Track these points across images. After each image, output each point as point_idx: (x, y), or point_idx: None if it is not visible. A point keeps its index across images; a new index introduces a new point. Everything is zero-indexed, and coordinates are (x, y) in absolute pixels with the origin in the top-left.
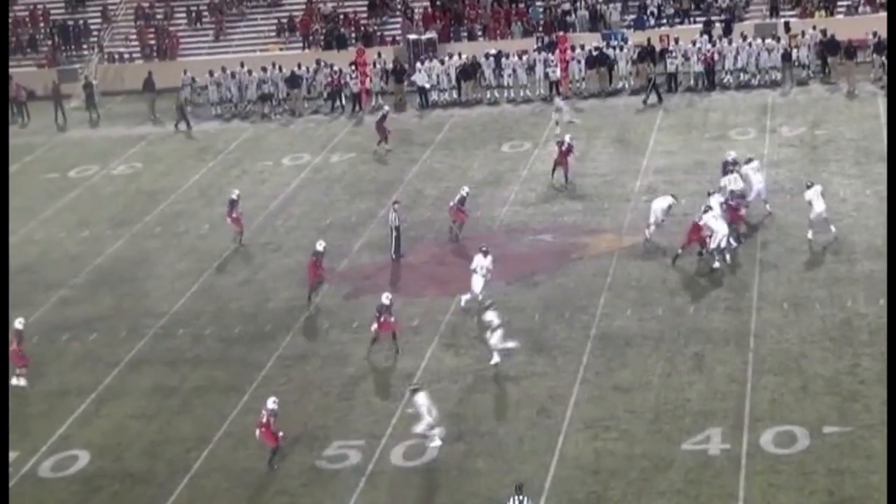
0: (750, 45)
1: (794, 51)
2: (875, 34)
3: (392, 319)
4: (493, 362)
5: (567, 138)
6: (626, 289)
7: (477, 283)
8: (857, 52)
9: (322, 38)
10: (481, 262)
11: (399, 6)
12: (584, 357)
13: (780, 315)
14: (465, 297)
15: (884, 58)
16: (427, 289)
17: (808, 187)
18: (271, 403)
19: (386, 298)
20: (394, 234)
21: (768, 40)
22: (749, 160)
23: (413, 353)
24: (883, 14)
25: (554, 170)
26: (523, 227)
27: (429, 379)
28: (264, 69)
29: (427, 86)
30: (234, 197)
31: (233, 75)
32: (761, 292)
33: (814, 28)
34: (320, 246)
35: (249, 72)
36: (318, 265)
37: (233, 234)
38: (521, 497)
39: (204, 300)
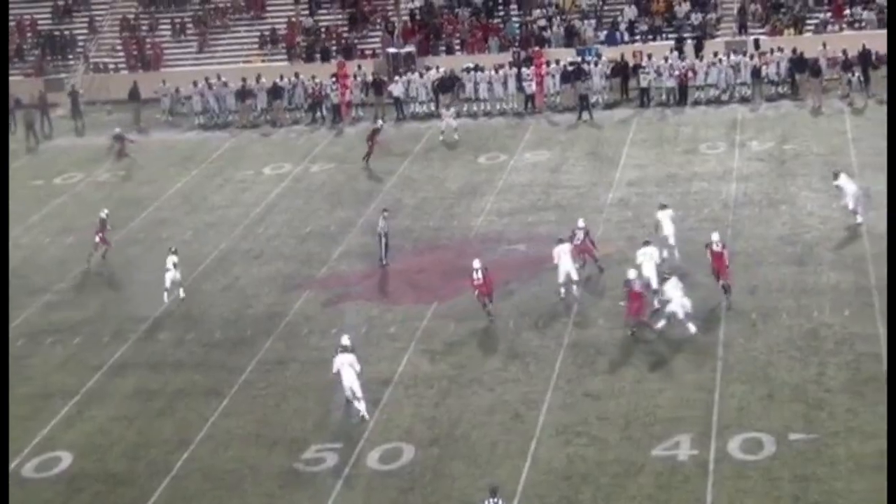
0: (720, 61)
1: (764, 67)
2: (844, 52)
3: None
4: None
5: (379, 123)
6: (598, 298)
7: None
8: (822, 70)
9: (304, 50)
10: (346, 360)
11: (379, 20)
12: (557, 364)
13: (747, 325)
14: (362, 408)
15: (849, 75)
16: (405, 296)
17: (662, 208)
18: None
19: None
20: (383, 240)
21: (738, 57)
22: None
23: (390, 359)
24: (849, 32)
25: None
26: (498, 237)
27: (405, 384)
28: (244, 79)
29: (401, 97)
30: (103, 216)
31: (210, 87)
32: (729, 302)
33: (831, 45)
34: (477, 263)
35: (225, 84)
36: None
37: (92, 253)
38: (495, 500)
39: (186, 305)
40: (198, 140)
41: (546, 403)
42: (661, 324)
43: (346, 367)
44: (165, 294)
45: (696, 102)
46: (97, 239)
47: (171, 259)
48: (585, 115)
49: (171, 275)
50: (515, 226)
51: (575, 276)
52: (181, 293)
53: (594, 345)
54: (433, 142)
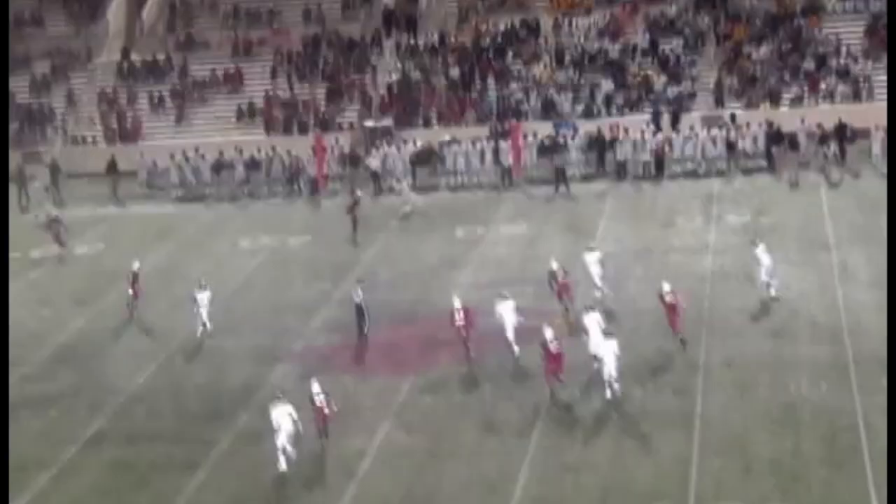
0: (697, 135)
1: (740, 141)
2: (819, 126)
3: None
4: None
5: (357, 193)
6: (574, 370)
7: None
8: (799, 144)
9: (281, 123)
10: (285, 411)
11: (357, 94)
12: (534, 436)
13: (725, 398)
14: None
15: (825, 149)
16: (381, 369)
17: (589, 251)
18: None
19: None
20: (364, 311)
21: (714, 130)
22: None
23: (366, 432)
24: (825, 106)
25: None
26: (475, 311)
27: (382, 457)
28: (221, 152)
29: (378, 170)
30: (135, 269)
31: (187, 160)
32: (707, 375)
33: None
34: (458, 303)
35: (203, 156)
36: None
37: (131, 304)
38: None
39: (162, 378)
40: (175, 213)
41: (523, 476)
42: (608, 393)
43: (285, 418)
44: (200, 329)
45: (673, 176)
46: (130, 291)
47: (206, 294)
48: (562, 188)
49: (205, 311)
50: (493, 298)
51: (510, 335)
52: (208, 325)
53: (571, 416)
54: (410, 215)
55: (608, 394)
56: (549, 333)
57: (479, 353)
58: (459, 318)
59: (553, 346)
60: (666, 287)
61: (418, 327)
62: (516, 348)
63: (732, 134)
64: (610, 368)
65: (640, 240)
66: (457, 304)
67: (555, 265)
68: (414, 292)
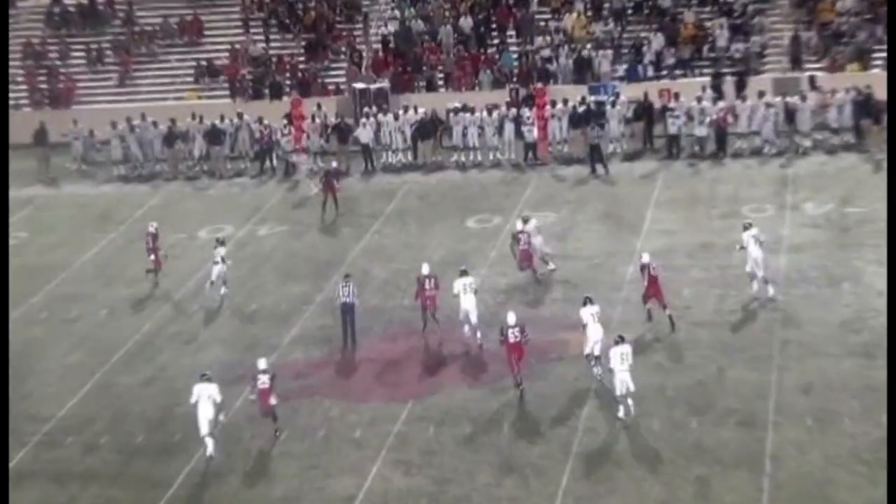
0: (767, 105)
1: (822, 111)
2: None
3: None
4: None
5: (333, 164)
6: (612, 400)
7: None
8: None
9: (250, 85)
10: (207, 391)
11: (344, 48)
12: (564, 479)
13: (802, 432)
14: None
15: None
16: (373, 392)
17: (525, 221)
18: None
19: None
20: (348, 316)
21: (789, 98)
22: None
23: (354, 471)
24: None
25: (325, 203)
26: (491, 320)
27: (373, 502)
28: (172, 120)
29: (370, 144)
30: (152, 230)
31: (132, 129)
32: (779, 404)
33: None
34: (426, 269)
35: (154, 123)
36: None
37: (151, 273)
38: None
39: (99, 402)
40: (117, 195)
41: None
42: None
43: (205, 400)
44: (208, 285)
45: (737, 154)
46: (152, 257)
47: (220, 251)
48: (599, 169)
49: (218, 268)
50: (512, 306)
51: (474, 319)
52: (224, 289)
53: (609, 455)
54: (410, 200)
55: (620, 412)
56: (511, 319)
57: (491, 372)
58: (429, 288)
59: (511, 335)
60: (645, 258)
61: (418, 341)
62: (479, 335)
63: (812, 102)
64: (623, 380)
65: (696, 233)
66: (425, 270)
67: (519, 225)
68: (413, 297)
